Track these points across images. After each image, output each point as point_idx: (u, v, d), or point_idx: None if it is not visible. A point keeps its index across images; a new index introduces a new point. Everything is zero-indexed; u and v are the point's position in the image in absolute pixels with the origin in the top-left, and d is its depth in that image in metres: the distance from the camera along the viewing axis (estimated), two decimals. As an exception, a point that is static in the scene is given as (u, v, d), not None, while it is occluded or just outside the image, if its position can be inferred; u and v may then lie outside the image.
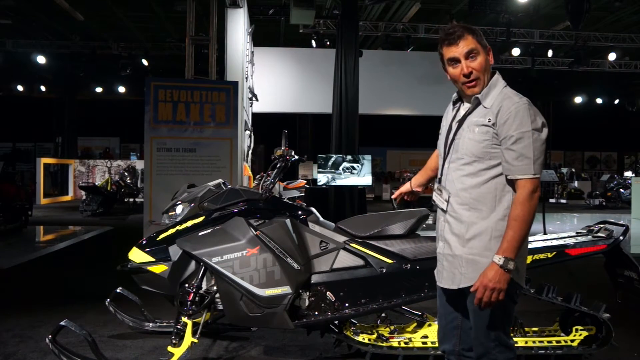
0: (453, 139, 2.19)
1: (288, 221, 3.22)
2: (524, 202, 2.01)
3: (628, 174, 19.65)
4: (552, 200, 20.11)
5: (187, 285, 3.26)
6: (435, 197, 2.26)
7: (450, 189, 2.17)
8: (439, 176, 2.26)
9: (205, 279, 3.30)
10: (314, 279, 3.20)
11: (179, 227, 3.31)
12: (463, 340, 2.30)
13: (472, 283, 2.08)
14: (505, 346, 2.13)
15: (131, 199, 16.10)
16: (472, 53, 2.11)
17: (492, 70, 2.18)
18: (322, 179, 10.02)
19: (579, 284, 5.52)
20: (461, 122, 2.18)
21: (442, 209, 2.22)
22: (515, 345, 3.35)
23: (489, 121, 2.07)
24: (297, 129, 21.80)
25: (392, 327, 3.44)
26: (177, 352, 3.14)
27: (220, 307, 3.28)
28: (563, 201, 20.21)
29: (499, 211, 2.09)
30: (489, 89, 2.13)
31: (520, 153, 2.01)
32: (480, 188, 2.10)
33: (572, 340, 3.38)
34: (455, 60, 2.13)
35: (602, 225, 3.36)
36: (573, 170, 22.64)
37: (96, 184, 16.00)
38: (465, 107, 2.21)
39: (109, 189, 14.64)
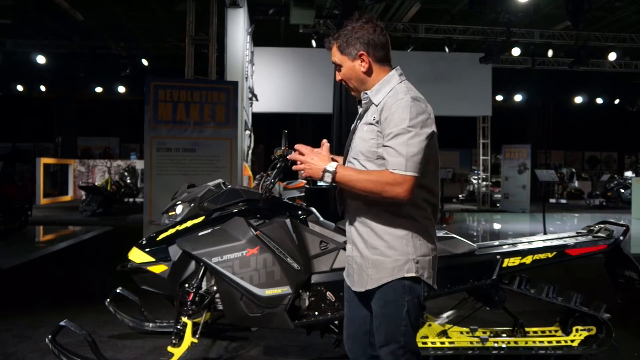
0: (352, 139, 2.18)
1: (288, 221, 3.21)
2: (385, 183, 1.94)
3: (628, 174, 19.64)
4: (552, 200, 20.11)
5: (187, 285, 3.26)
6: (338, 199, 2.23)
7: (350, 191, 2.09)
8: None
9: (205, 279, 3.30)
10: (314, 279, 3.20)
11: (179, 227, 3.31)
12: (374, 345, 2.18)
13: (377, 285, 2.05)
14: (412, 352, 2.07)
15: (131, 199, 16.11)
16: (337, 64, 2.14)
17: (390, 65, 2.14)
18: (322, 179, 9.99)
19: (579, 284, 5.51)
20: (359, 121, 2.16)
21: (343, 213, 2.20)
22: (516, 345, 3.37)
23: (374, 119, 2.04)
24: (297, 129, 21.79)
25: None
26: (177, 352, 3.14)
27: (220, 307, 3.27)
28: (563, 201, 20.22)
29: (396, 211, 2.04)
30: (382, 85, 2.09)
31: (395, 150, 1.95)
32: None
33: (572, 341, 3.38)
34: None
35: (602, 226, 3.36)
36: (573, 170, 22.64)
37: (96, 184, 16.01)
38: (364, 106, 2.19)
39: (109, 189, 14.65)
